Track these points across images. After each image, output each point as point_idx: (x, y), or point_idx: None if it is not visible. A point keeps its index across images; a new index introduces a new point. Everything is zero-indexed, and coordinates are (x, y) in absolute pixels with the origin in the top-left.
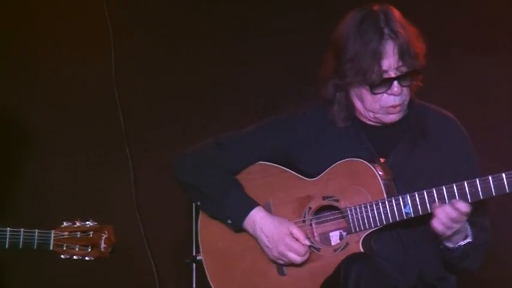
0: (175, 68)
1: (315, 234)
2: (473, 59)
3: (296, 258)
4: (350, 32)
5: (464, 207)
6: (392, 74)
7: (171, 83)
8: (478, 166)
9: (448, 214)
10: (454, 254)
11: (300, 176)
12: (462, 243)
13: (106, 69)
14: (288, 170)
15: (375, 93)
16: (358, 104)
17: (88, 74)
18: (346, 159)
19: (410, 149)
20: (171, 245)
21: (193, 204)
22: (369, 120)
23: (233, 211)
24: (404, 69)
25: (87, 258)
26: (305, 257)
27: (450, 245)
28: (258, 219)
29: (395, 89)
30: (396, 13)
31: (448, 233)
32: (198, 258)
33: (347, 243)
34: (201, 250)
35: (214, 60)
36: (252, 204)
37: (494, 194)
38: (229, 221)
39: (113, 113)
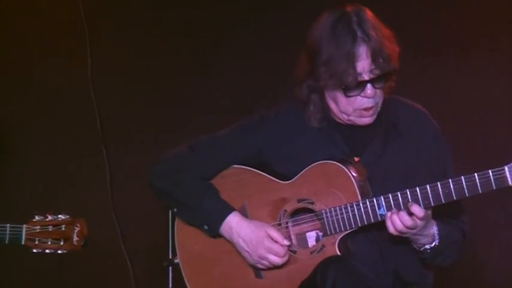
0: (152, 68)
1: (292, 236)
2: (444, 59)
3: (277, 260)
4: (323, 34)
5: (419, 212)
6: (366, 77)
7: (149, 83)
8: (451, 156)
9: (403, 221)
10: (423, 255)
11: (274, 179)
12: (428, 247)
13: (82, 68)
14: (262, 173)
15: (349, 96)
16: (332, 105)
17: (64, 73)
18: (320, 162)
19: (384, 145)
20: (147, 246)
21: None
22: (343, 121)
23: (209, 217)
24: (377, 72)
25: (59, 251)
26: (285, 258)
27: (416, 247)
28: (234, 225)
29: (368, 91)
30: (369, 14)
31: (403, 237)
32: (175, 261)
33: (323, 246)
34: (177, 254)
35: (192, 61)
36: (228, 210)
37: (467, 194)
38: (205, 227)
39: (89, 112)
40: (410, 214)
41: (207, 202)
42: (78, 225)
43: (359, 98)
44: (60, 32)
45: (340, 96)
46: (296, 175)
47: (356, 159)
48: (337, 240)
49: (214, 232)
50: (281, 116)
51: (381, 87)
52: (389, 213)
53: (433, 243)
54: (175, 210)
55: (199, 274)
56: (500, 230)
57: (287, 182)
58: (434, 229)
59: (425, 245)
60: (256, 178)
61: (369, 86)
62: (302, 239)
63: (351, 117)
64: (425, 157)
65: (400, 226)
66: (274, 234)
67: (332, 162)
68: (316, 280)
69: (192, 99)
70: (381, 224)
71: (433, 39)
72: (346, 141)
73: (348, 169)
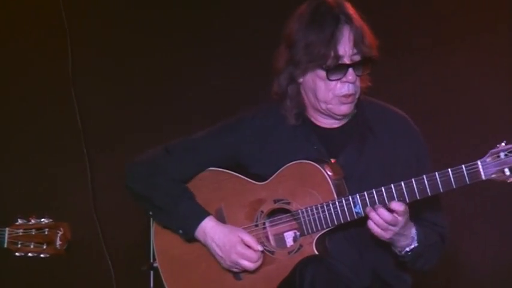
0: (135, 69)
1: (270, 237)
2: (422, 58)
3: (249, 265)
4: (304, 20)
5: (399, 206)
6: (347, 61)
7: (131, 84)
8: (429, 161)
9: (383, 216)
10: (404, 258)
11: (250, 180)
12: (408, 249)
13: (63, 69)
14: (238, 175)
15: (330, 80)
16: (310, 96)
17: (44, 74)
18: (295, 162)
19: (360, 148)
20: (128, 248)
21: None
22: (321, 113)
23: (184, 222)
24: (358, 57)
25: (42, 255)
26: (258, 263)
27: (397, 251)
28: (209, 229)
29: (350, 76)
30: (349, 5)
31: (387, 236)
32: (155, 265)
33: (301, 245)
34: (156, 258)
35: (174, 61)
36: (203, 215)
37: (441, 190)
38: (180, 231)
39: (70, 113)
40: (391, 211)
41: (182, 206)
42: (61, 229)
43: (339, 84)
44: (40, 32)
45: (320, 82)
46: (272, 176)
47: (332, 160)
48: (315, 240)
49: (189, 236)
50: (257, 117)
51: (361, 75)
52: (368, 209)
53: (413, 245)
54: (150, 213)
55: (179, 278)
56: (479, 226)
57: (263, 182)
58: (413, 230)
59: (405, 247)
60: (233, 180)
61: (350, 70)
62: (280, 239)
63: (330, 106)
64: (402, 160)
65: (380, 222)
66: (248, 238)
67: (307, 161)
68: (295, 280)
69: (174, 100)
70: (360, 223)
71: (409, 38)
72: (323, 143)
73: (323, 168)
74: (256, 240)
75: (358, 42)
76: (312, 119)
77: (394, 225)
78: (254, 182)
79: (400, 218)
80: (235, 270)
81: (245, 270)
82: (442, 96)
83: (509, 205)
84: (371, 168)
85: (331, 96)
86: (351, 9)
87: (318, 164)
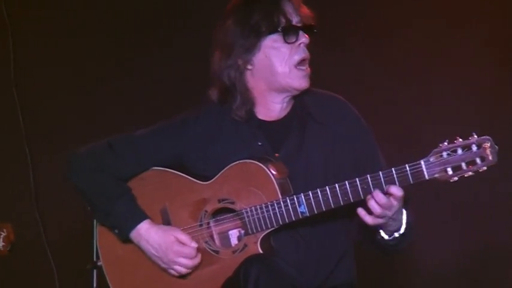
0: (78, 67)
1: (214, 236)
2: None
3: (187, 262)
4: (241, 7)
5: (397, 191)
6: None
7: (73, 83)
8: (374, 141)
9: (380, 201)
10: (389, 242)
11: (195, 180)
12: (397, 234)
13: (4, 68)
14: (182, 174)
15: (288, 42)
16: (266, 77)
17: None
18: (239, 161)
19: (301, 135)
20: (71, 248)
21: None
22: (277, 93)
23: (120, 222)
24: (301, 24)
25: None
26: (196, 260)
27: (385, 236)
28: (143, 232)
29: (303, 38)
30: None
31: (382, 221)
32: (99, 264)
33: (245, 245)
34: (100, 257)
35: (117, 58)
36: (140, 218)
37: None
38: (116, 231)
39: (12, 113)
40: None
41: (120, 207)
42: (4, 230)
43: (294, 49)
44: None
45: (275, 53)
46: (217, 175)
47: (276, 154)
48: (259, 239)
49: (124, 237)
50: (201, 117)
51: (309, 40)
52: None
53: (400, 232)
54: (89, 208)
55: (123, 277)
56: (433, 217)
57: (207, 182)
58: (402, 216)
59: (393, 233)
60: (177, 179)
61: (301, 32)
62: (224, 238)
63: (289, 80)
64: (345, 141)
65: (376, 207)
66: (183, 237)
67: (251, 161)
68: (239, 279)
69: (118, 100)
70: (305, 221)
71: (350, 32)
72: (267, 137)
73: (267, 168)
74: (191, 238)
75: (298, 10)
76: (257, 114)
77: (389, 209)
78: (198, 181)
79: (395, 203)
80: (172, 272)
81: (180, 275)
82: (389, 92)
83: (455, 203)
84: (314, 155)
85: (289, 67)
86: None
87: (262, 163)
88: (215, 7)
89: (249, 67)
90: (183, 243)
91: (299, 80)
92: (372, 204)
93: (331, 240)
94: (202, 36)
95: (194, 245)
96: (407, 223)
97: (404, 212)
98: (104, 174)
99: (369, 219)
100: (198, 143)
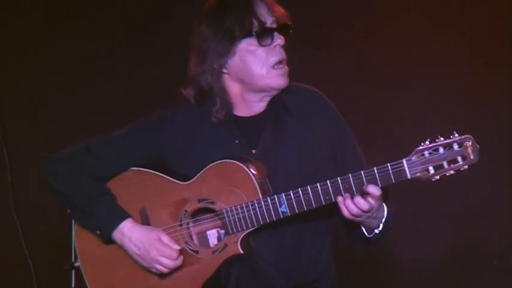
0: (55, 66)
1: (193, 236)
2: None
3: (169, 262)
4: (215, 10)
5: (375, 190)
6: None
7: (52, 82)
8: (350, 133)
9: (359, 206)
10: (371, 238)
11: (174, 180)
12: (377, 231)
13: None
14: (161, 174)
15: (262, 45)
16: (244, 79)
17: None
18: (219, 161)
19: (277, 129)
20: (49, 248)
21: None
22: (255, 93)
23: (102, 223)
24: (276, 25)
25: None
26: (178, 262)
27: (366, 233)
28: (126, 230)
29: (278, 40)
30: None
31: (359, 219)
32: (76, 264)
33: (225, 245)
34: (78, 257)
35: (93, 57)
36: (122, 216)
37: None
38: (98, 232)
39: None
40: (365, 195)
41: (101, 207)
42: None
43: (270, 51)
44: None
45: (250, 57)
46: (196, 175)
47: (254, 151)
48: (240, 239)
49: (106, 238)
50: (178, 115)
51: (284, 42)
52: (341, 198)
53: (380, 228)
54: (68, 211)
55: (102, 278)
56: (418, 217)
57: (187, 182)
58: (384, 213)
59: (374, 229)
60: (156, 179)
61: (276, 34)
62: (204, 238)
63: (268, 81)
64: (321, 134)
65: (355, 210)
66: (165, 239)
67: (231, 161)
68: (220, 279)
69: (98, 99)
70: (284, 221)
71: (330, 31)
72: (244, 134)
73: (247, 167)
74: (173, 240)
75: (272, 11)
76: (236, 112)
77: (368, 211)
78: (178, 181)
79: (374, 203)
80: (153, 270)
81: (162, 273)
82: (371, 91)
83: (435, 202)
84: (290, 147)
85: (266, 68)
86: None
87: (242, 163)
88: (198, 4)
89: (225, 71)
90: (166, 244)
91: (277, 79)
92: (347, 203)
93: (310, 239)
94: (184, 36)
95: (177, 247)
96: (387, 216)
97: (385, 208)
98: (83, 175)
99: (345, 212)
100: (177, 142)
